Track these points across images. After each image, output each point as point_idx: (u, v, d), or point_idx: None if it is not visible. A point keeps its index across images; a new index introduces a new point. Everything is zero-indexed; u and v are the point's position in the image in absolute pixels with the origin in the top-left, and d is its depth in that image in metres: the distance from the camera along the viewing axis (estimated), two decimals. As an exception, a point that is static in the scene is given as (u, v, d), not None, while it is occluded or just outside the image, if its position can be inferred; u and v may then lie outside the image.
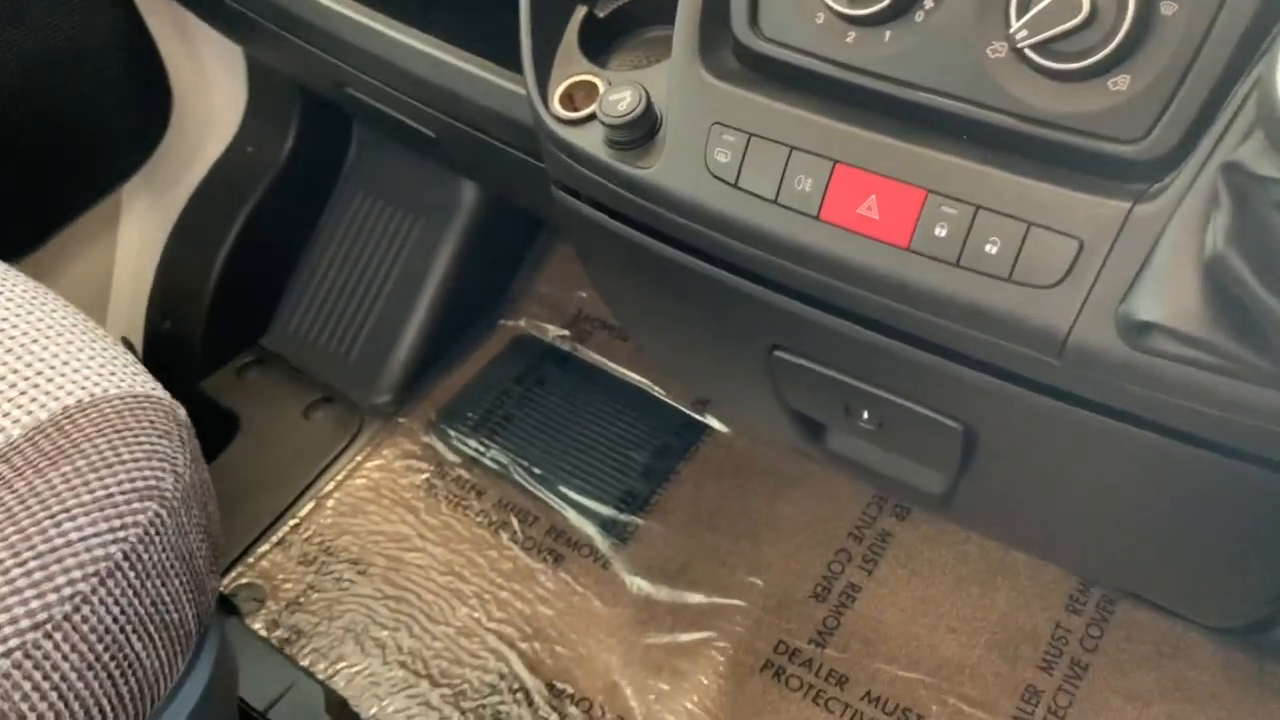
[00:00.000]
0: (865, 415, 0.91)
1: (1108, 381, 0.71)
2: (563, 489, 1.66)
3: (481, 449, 1.73)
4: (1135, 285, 0.67)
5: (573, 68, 0.92)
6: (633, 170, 0.84)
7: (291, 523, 1.68)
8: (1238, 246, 0.60)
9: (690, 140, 0.81)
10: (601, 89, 0.88)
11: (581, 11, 0.95)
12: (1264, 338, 0.61)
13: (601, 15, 0.96)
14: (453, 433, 1.76)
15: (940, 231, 0.72)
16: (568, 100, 0.90)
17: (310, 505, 1.69)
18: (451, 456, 1.73)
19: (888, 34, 0.74)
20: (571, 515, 1.63)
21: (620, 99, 0.83)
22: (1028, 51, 0.68)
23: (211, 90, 1.78)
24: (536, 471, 1.68)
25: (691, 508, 1.62)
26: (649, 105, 0.83)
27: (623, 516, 1.62)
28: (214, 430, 1.80)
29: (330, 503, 1.69)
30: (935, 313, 0.74)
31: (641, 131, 0.84)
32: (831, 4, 0.74)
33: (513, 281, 1.93)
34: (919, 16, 0.73)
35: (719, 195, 0.80)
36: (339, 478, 1.72)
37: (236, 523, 1.67)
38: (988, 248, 0.71)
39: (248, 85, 1.78)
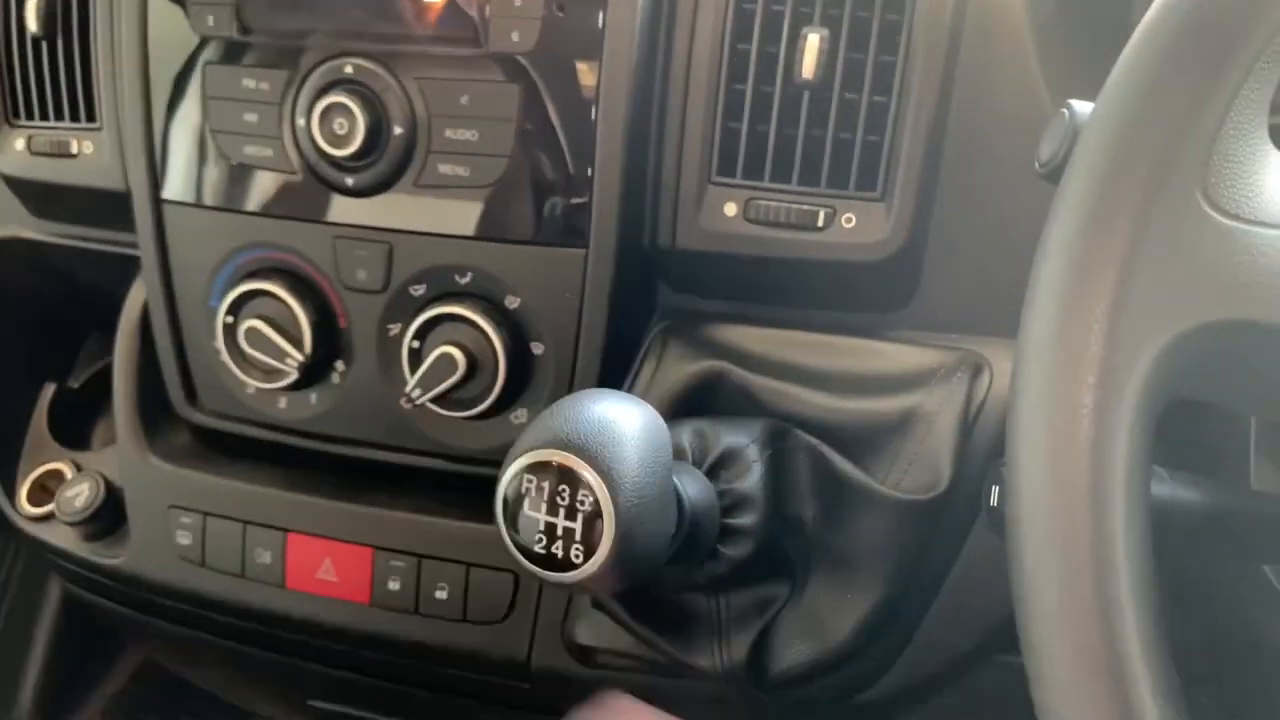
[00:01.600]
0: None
1: (578, 695, 0.73)
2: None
3: (129, 782, 1.59)
4: (570, 611, 0.70)
5: (43, 454, 0.88)
6: (106, 560, 0.81)
7: None
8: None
9: (153, 525, 0.79)
10: (69, 476, 0.85)
11: (51, 389, 0.92)
12: (665, 652, 0.65)
13: (77, 386, 0.94)
14: (95, 771, 1.61)
15: (394, 585, 0.73)
16: (39, 491, 0.87)
17: None
18: (95, 804, 1.57)
19: (314, 397, 0.76)
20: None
21: (78, 494, 0.81)
22: (428, 405, 0.71)
23: None
24: (193, 796, 1.56)
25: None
26: (109, 495, 0.81)
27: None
28: None
29: None
30: (410, 657, 0.75)
31: (107, 522, 0.81)
32: (248, 378, 0.75)
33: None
34: (335, 379, 0.75)
35: (190, 576, 0.78)
36: None
37: None
38: (439, 593, 0.72)
39: None
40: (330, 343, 0.74)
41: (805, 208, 0.65)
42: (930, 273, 0.68)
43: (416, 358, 0.71)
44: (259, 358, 0.74)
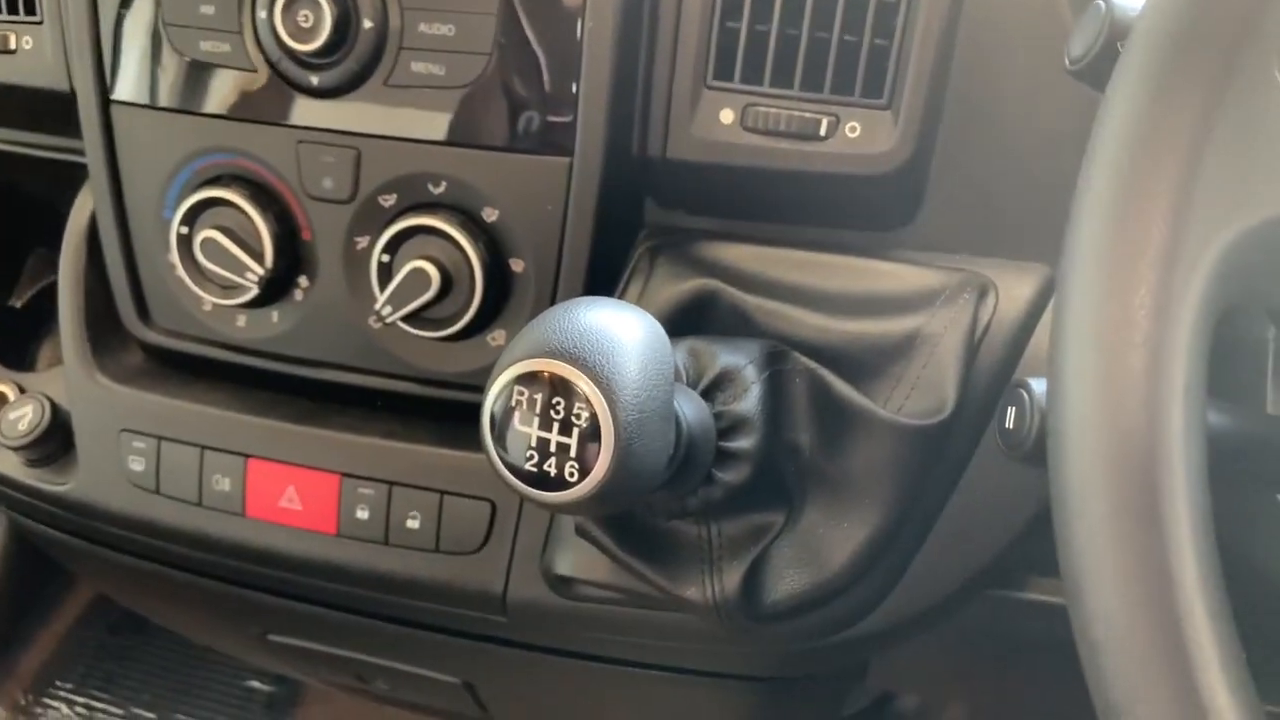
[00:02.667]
0: (378, 681, 0.87)
1: (556, 628, 0.70)
2: (182, 742, 1.51)
3: (85, 718, 1.55)
4: (550, 541, 0.66)
5: (-17, 375, 0.83)
6: (52, 487, 0.76)
7: None
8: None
9: (102, 450, 0.74)
10: (12, 399, 0.80)
11: (-9, 305, 0.87)
12: (652, 582, 0.61)
13: (19, 304, 0.88)
14: (50, 707, 1.56)
15: (363, 514, 0.69)
16: (-20, 413, 0.81)
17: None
18: (49, 737, 1.53)
19: (275, 315, 0.71)
20: (194, 770, 1.49)
21: (21, 417, 0.76)
22: (399, 324, 0.67)
23: None
24: (150, 730, 1.52)
25: (324, 730, 1.52)
26: (55, 418, 0.76)
27: (251, 758, 1.50)
28: None
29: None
30: (378, 590, 0.71)
31: (53, 446, 0.76)
32: (204, 294, 0.71)
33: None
34: (299, 296, 0.70)
35: (143, 504, 0.74)
36: (-84, 795, 1.48)
37: None
38: (410, 522, 0.68)
39: None
40: (293, 256, 0.69)
41: (807, 115, 0.61)
42: (934, 189, 0.65)
43: (386, 273, 0.66)
44: (216, 272, 0.69)
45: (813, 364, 0.58)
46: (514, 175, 0.64)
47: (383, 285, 0.66)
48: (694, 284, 0.63)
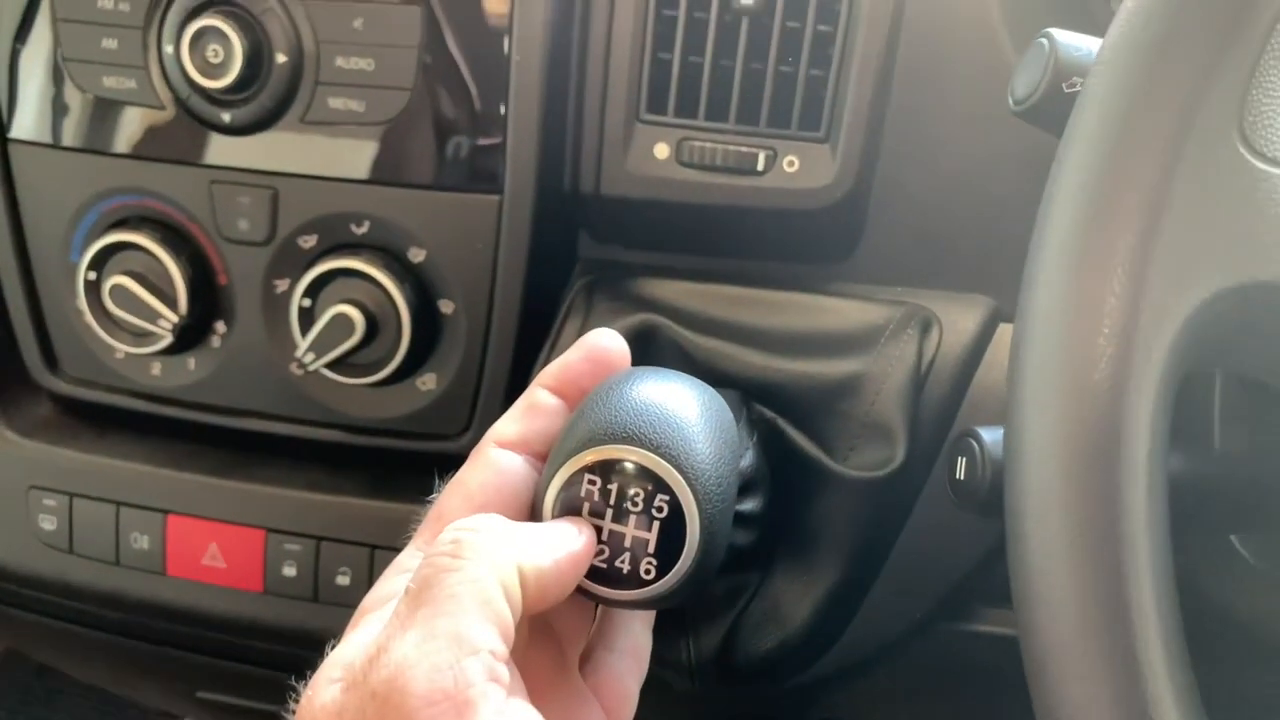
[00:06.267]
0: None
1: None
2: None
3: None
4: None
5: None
6: (-43, 548, 0.72)
7: None
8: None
9: (10, 509, 0.70)
10: (-88, 454, 0.76)
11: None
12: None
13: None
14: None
15: (290, 570, 0.66)
16: (-123, 471, 0.77)
17: None
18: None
19: (191, 362, 0.68)
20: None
21: (-80, 474, 0.71)
22: (323, 371, 0.64)
23: None
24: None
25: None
26: (-43, 474, 0.71)
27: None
28: None
29: None
30: (310, 649, 0.67)
31: (-43, 504, 0.72)
32: (116, 342, 0.67)
33: None
34: (216, 342, 0.67)
35: (56, 564, 0.70)
36: None
37: None
38: (340, 579, 0.65)
39: None
40: (209, 301, 0.66)
41: (744, 149, 0.59)
42: (874, 222, 0.63)
43: (308, 318, 0.63)
44: (127, 319, 0.65)
45: (770, 413, 0.56)
46: (441, 214, 0.61)
47: (304, 331, 0.63)
48: (634, 320, 0.61)
